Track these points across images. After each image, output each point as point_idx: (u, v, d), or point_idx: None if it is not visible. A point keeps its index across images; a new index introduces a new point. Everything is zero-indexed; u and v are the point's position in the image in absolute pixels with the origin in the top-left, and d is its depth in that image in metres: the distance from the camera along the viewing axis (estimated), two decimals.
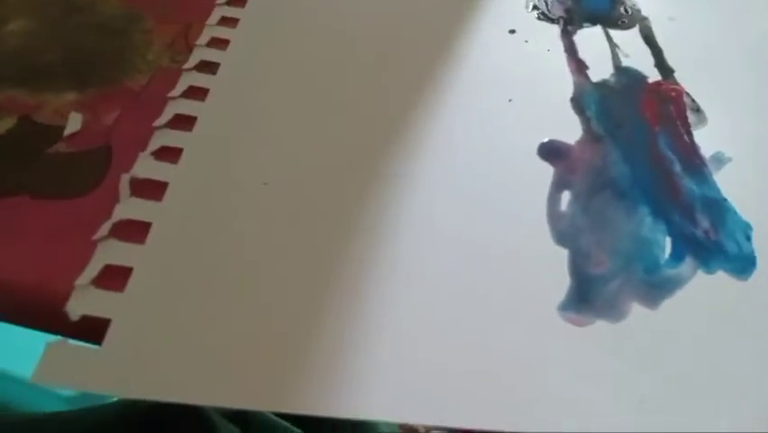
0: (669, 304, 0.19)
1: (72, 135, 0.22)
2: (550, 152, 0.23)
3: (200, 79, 0.24)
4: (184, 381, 0.17)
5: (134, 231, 0.19)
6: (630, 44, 0.28)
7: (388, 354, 0.18)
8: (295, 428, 0.35)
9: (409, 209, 0.21)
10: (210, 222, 0.20)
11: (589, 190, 0.22)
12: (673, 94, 0.26)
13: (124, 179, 0.20)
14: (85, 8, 0.27)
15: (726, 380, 0.18)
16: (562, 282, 0.20)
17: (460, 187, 0.22)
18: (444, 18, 0.28)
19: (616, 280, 0.20)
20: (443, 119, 0.24)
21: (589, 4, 0.29)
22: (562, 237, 0.21)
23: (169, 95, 0.23)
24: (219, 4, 0.27)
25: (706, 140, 0.24)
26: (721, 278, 0.20)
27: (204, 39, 0.25)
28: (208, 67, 0.24)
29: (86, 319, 0.18)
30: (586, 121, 0.24)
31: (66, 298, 0.18)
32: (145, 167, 0.21)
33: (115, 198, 0.20)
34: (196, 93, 0.23)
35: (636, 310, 0.19)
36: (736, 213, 0.22)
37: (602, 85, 0.26)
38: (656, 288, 0.20)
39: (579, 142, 0.23)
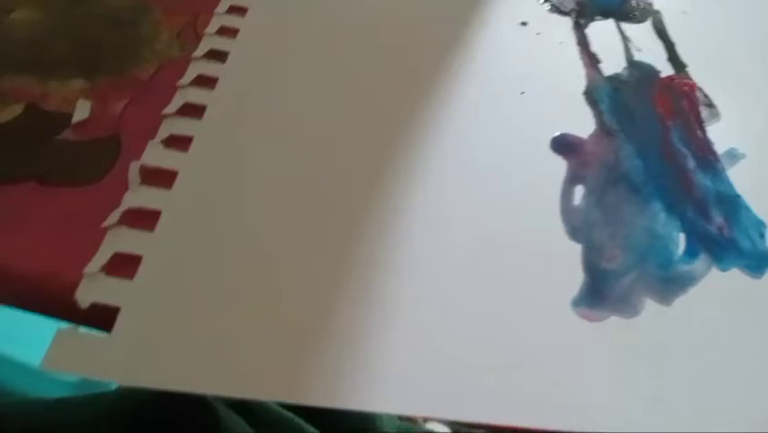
0: (682, 300, 0.19)
1: (80, 123, 0.22)
2: (562, 145, 0.23)
3: (209, 68, 0.24)
4: (192, 370, 0.17)
5: (144, 219, 0.19)
6: (642, 38, 0.27)
7: (401, 348, 0.18)
8: (298, 418, 0.34)
9: (422, 202, 0.21)
10: (220, 210, 0.20)
11: (602, 185, 0.22)
12: (686, 88, 0.26)
13: (134, 167, 0.20)
14: None
15: (739, 377, 0.18)
16: (575, 277, 0.20)
17: (472, 180, 0.22)
18: (456, 10, 0.28)
19: (629, 275, 0.20)
20: (455, 112, 0.24)
21: None
22: (575, 232, 0.20)
23: (179, 83, 0.23)
24: None
25: (719, 135, 0.24)
26: (735, 275, 0.20)
27: (213, 27, 0.25)
28: (217, 56, 0.24)
29: (95, 307, 0.17)
30: (599, 114, 0.24)
31: (75, 285, 0.18)
32: (155, 155, 0.21)
33: (125, 187, 0.20)
34: (206, 81, 0.23)
35: (650, 306, 0.19)
36: (749, 209, 0.22)
37: (615, 78, 0.25)
38: (670, 284, 0.20)
39: (591, 136, 0.23)
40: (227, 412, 0.30)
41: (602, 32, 0.27)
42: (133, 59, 0.25)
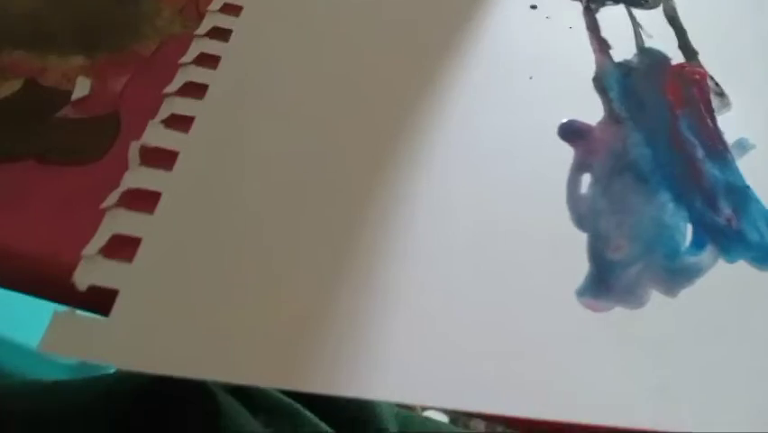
0: (688, 292, 0.19)
1: (80, 100, 0.22)
2: (570, 132, 0.22)
3: (212, 46, 0.23)
4: (191, 355, 0.16)
5: (144, 200, 0.19)
6: (654, 24, 0.27)
7: (403, 335, 0.18)
8: (296, 404, 0.35)
9: (425, 187, 0.21)
10: (220, 193, 0.19)
11: (609, 173, 0.21)
12: (697, 77, 0.25)
13: (134, 147, 0.20)
14: None
15: (745, 368, 0.18)
16: (580, 267, 0.19)
17: (477, 164, 0.21)
18: None
19: (635, 265, 0.19)
20: (461, 95, 0.23)
21: None
22: (581, 220, 0.20)
23: (181, 61, 0.22)
24: None
25: (729, 125, 0.24)
26: (742, 267, 0.20)
27: (216, 5, 0.24)
28: (220, 34, 0.24)
29: (93, 290, 0.17)
30: (608, 102, 0.23)
31: (73, 267, 0.17)
32: (155, 135, 0.20)
33: (124, 166, 0.20)
34: (208, 60, 0.23)
35: (655, 297, 0.19)
36: (759, 201, 0.21)
37: (625, 65, 0.25)
38: (676, 275, 0.19)
39: (600, 123, 0.23)
40: (226, 397, 0.30)
41: (613, 18, 0.27)
42: (134, 35, 0.24)
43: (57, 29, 0.24)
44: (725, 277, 0.20)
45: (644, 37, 0.26)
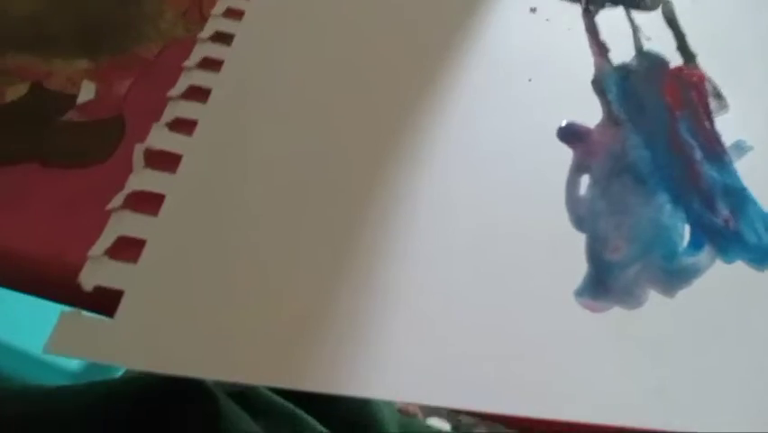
0: (686, 292, 0.19)
1: (85, 104, 0.22)
2: (569, 134, 0.23)
3: (215, 50, 0.23)
4: (195, 355, 0.17)
5: (148, 202, 0.19)
6: (652, 27, 0.27)
7: (402, 335, 0.18)
8: (297, 408, 0.35)
9: (426, 188, 0.21)
10: (223, 196, 0.20)
11: (608, 175, 0.22)
12: (695, 79, 0.25)
13: (139, 150, 0.20)
14: None
15: (743, 368, 0.18)
16: (579, 267, 0.19)
17: (477, 166, 0.22)
18: None
19: (633, 266, 0.19)
20: (461, 96, 0.23)
21: None
22: (580, 222, 0.20)
23: (184, 64, 0.23)
24: None
25: (727, 127, 0.24)
26: (739, 268, 0.20)
27: (219, 9, 0.25)
28: (223, 38, 0.24)
29: (98, 290, 0.17)
30: (606, 104, 0.24)
31: (77, 268, 0.18)
32: (159, 138, 0.21)
33: (129, 169, 0.20)
34: (211, 64, 0.23)
35: (653, 297, 0.19)
36: (756, 203, 0.21)
37: (623, 68, 0.25)
38: (674, 275, 0.19)
39: (599, 126, 0.23)
40: (227, 401, 0.30)
41: (612, 20, 0.27)
42: (137, 36, 0.24)
43: (59, 31, 0.24)
44: (722, 277, 0.20)
45: (642, 39, 0.26)
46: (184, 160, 0.20)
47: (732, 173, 0.22)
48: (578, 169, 0.22)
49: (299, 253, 0.19)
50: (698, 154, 0.23)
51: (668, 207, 0.21)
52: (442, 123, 0.23)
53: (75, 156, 0.20)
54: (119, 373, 0.58)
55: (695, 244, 0.20)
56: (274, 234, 0.19)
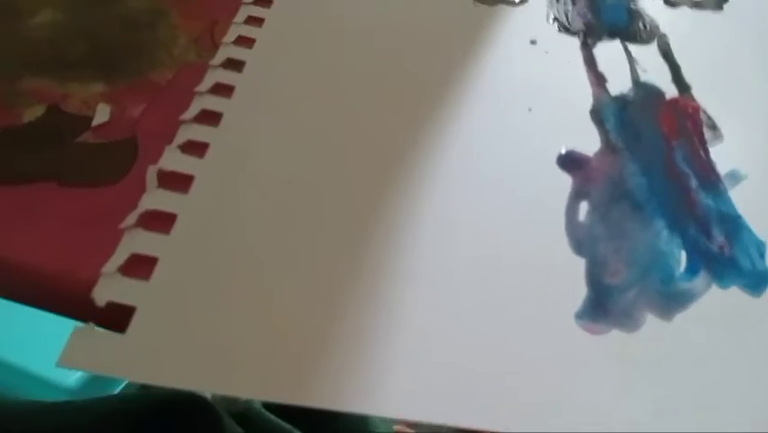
0: (683, 316, 0.20)
1: (100, 126, 0.23)
2: (569, 162, 0.23)
3: (226, 76, 0.24)
4: (205, 370, 0.17)
5: (160, 221, 0.20)
6: (648, 59, 0.28)
7: (405, 354, 0.18)
8: (293, 428, 0.35)
9: (429, 213, 0.21)
10: (234, 216, 0.20)
11: (606, 201, 0.22)
12: (690, 110, 0.26)
13: (152, 171, 0.21)
14: (111, 1, 0.27)
15: (738, 391, 0.19)
16: (578, 291, 0.20)
17: (479, 191, 0.22)
18: (468, 27, 0.28)
19: (632, 290, 0.20)
20: (464, 126, 0.24)
21: (608, 17, 0.30)
22: (579, 246, 0.21)
23: (196, 89, 0.23)
24: (245, 3, 0.27)
25: (721, 156, 0.25)
26: (734, 293, 0.21)
27: (230, 36, 0.26)
28: (234, 64, 0.25)
29: (110, 306, 0.18)
30: (605, 133, 0.24)
31: (90, 284, 0.18)
32: (172, 159, 0.21)
33: (142, 189, 0.20)
34: (223, 90, 0.24)
35: (651, 321, 0.20)
36: (750, 230, 0.22)
37: (621, 98, 0.26)
38: (671, 299, 0.20)
39: (597, 154, 0.24)
40: (228, 419, 0.30)
41: (609, 53, 0.28)
42: (151, 62, 0.25)
43: (76, 55, 0.25)
44: (718, 302, 0.20)
45: (639, 71, 0.27)
46: (196, 181, 0.21)
47: (727, 201, 0.23)
48: (577, 195, 0.22)
49: (307, 272, 0.19)
50: (693, 182, 0.23)
51: (665, 232, 0.22)
52: (445, 150, 0.23)
53: (89, 176, 0.21)
54: (117, 390, 0.58)
55: (691, 270, 0.21)
56: (282, 253, 0.20)
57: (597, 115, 0.25)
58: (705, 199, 0.23)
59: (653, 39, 0.29)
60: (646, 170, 0.23)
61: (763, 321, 0.20)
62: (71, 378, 0.58)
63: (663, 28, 0.30)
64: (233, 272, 0.19)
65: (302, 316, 0.18)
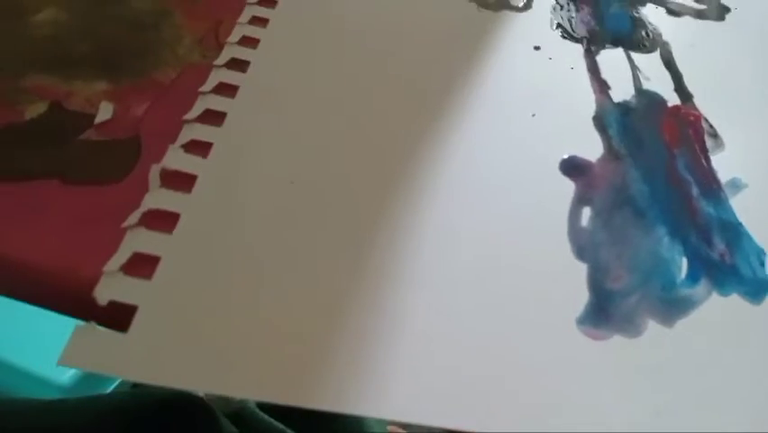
0: (684, 322, 0.20)
1: (102, 124, 0.22)
2: (571, 167, 0.23)
3: (230, 76, 0.24)
4: (207, 370, 0.17)
5: (163, 220, 0.20)
6: (651, 67, 0.28)
7: (406, 357, 0.18)
8: (286, 428, 0.35)
9: (431, 217, 0.21)
10: (237, 216, 0.20)
11: (609, 207, 0.22)
12: (692, 118, 0.26)
13: (155, 170, 0.21)
14: (115, 1, 0.27)
15: (738, 399, 0.19)
16: (580, 296, 0.20)
17: (481, 196, 0.22)
18: (472, 32, 0.28)
19: (633, 295, 0.20)
20: (467, 131, 0.24)
21: (611, 25, 0.30)
22: (581, 252, 0.21)
23: (200, 89, 0.23)
24: (250, 4, 0.27)
25: (723, 165, 0.25)
26: (735, 301, 0.21)
27: (235, 37, 0.26)
28: (238, 64, 0.25)
29: (112, 305, 0.18)
30: (607, 139, 0.24)
31: (92, 283, 0.18)
32: (175, 159, 0.21)
33: (144, 188, 0.20)
34: (227, 89, 0.24)
35: (653, 327, 0.20)
36: (751, 238, 0.22)
37: (624, 105, 0.26)
38: (672, 306, 0.20)
39: (600, 160, 0.24)
40: (225, 420, 0.30)
41: (612, 60, 0.28)
42: (155, 62, 0.25)
43: (80, 54, 0.25)
44: (719, 309, 0.20)
45: (641, 79, 0.27)
46: (198, 180, 0.21)
47: (728, 209, 0.23)
48: (579, 201, 0.22)
49: (309, 273, 0.19)
50: (695, 190, 0.23)
51: (666, 239, 0.22)
52: (447, 154, 0.23)
53: (92, 174, 0.21)
54: (110, 388, 0.58)
55: (692, 277, 0.21)
56: (284, 253, 0.20)
57: (599, 121, 0.25)
58: (706, 207, 0.23)
59: (656, 47, 0.29)
60: (648, 177, 0.23)
61: (763, 328, 0.20)
62: (64, 376, 0.58)
63: (666, 37, 0.30)
64: (235, 272, 0.19)
65: (304, 317, 0.18)
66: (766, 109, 0.27)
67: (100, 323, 0.18)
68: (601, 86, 0.27)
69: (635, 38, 0.29)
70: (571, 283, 0.20)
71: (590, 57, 0.28)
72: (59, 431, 0.27)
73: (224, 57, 0.25)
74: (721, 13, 0.32)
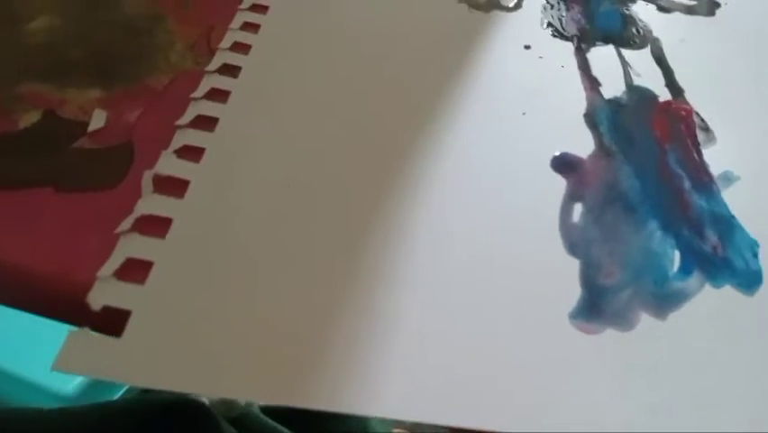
0: (677, 315, 0.20)
1: (96, 131, 0.23)
2: (562, 164, 0.23)
3: (222, 82, 0.24)
4: (201, 373, 0.17)
5: (156, 226, 0.20)
6: (642, 64, 0.28)
7: (400, 355, 0.18)
8: (287, 431, 0.35)
9: (424, 216, 0.22)
10: (230, 220, 0.20)
11: (600, 203, 0.22)
12: (683, 113, 0.26)
13: (147, 176, 0.21)
14: (108, 6, 0.28)
15: (731, 390, 0.19)
16: (573, 292, 0.20)
17: (473, 195, 0.22)
18: (463, 33, 0.28)
19: (626, 290, 0.20)
20: (459, 131, 0.24)
21: (602, 23, 0.30)
22: (573, 248, 0.21)
23: (192, 95, 0.23)
24: (241, 10, 0.27)
25: (714, 158, 0.25)
26: (728, 292, 0.21)
27: (227, 43, 0.26)
28: (230, 70, 0.25)
29: (106, 310, 0.18)
30: (598, 136, 0.25)
31: (85, 288, 0.18)
32: (168, 164, 0.21)
33: (137, 194, 0.21)
34: (219, 95, 0.24)
35: (645, 320, 0.20)
36: (743, 230, 0.22)
37: (614, 102, 0.26)
38: (664, 300, 0.20)
39: (591, 157, 0.24)
40: (227, 426, 0.30)
41: (603, 57, 0.28)
42: (148, 67, 0.25)
43: (73, 60, 0.25)
44: (712, 301, 0.20)
45: (632, 76, 0.28)
46: (191, 185, 0.21)
47: (720, 202, 0.23)
48: (571, 197, 0.23)
49: (303, 275, 0.19)
50: (686, 184, 0.23)
51: (658, 234, 0.22)
52: (440, 153, 0.23)
53: (86, 181, 0.21)
54: (115, 397, 0.58)
55: (685, 270, 0.21)
56: (278, 256, 0.20)
57: (590, 118, 0.25)
58: (698, 201, 0.23)
59: (647, 44, 0.29)
60: (640, 173, 0.23)
61: (756, 319, 0.20)
62: (69, 385, 0.58)
63: (657, 33, 0.30)
64: (229, 276, 0.19)
65: (298, 318, 0.19)
66: (757, 102, 0.27)
67: (94, 328, 0.18)
68: (592, 83, 0.27)
69: (625, 35, 0.30)
70: (564, 281, 0.20)
71: (581, 55, 0.28)
72: None
73: (215, 63, 0.25)
74: (711, 8, 0.32)
